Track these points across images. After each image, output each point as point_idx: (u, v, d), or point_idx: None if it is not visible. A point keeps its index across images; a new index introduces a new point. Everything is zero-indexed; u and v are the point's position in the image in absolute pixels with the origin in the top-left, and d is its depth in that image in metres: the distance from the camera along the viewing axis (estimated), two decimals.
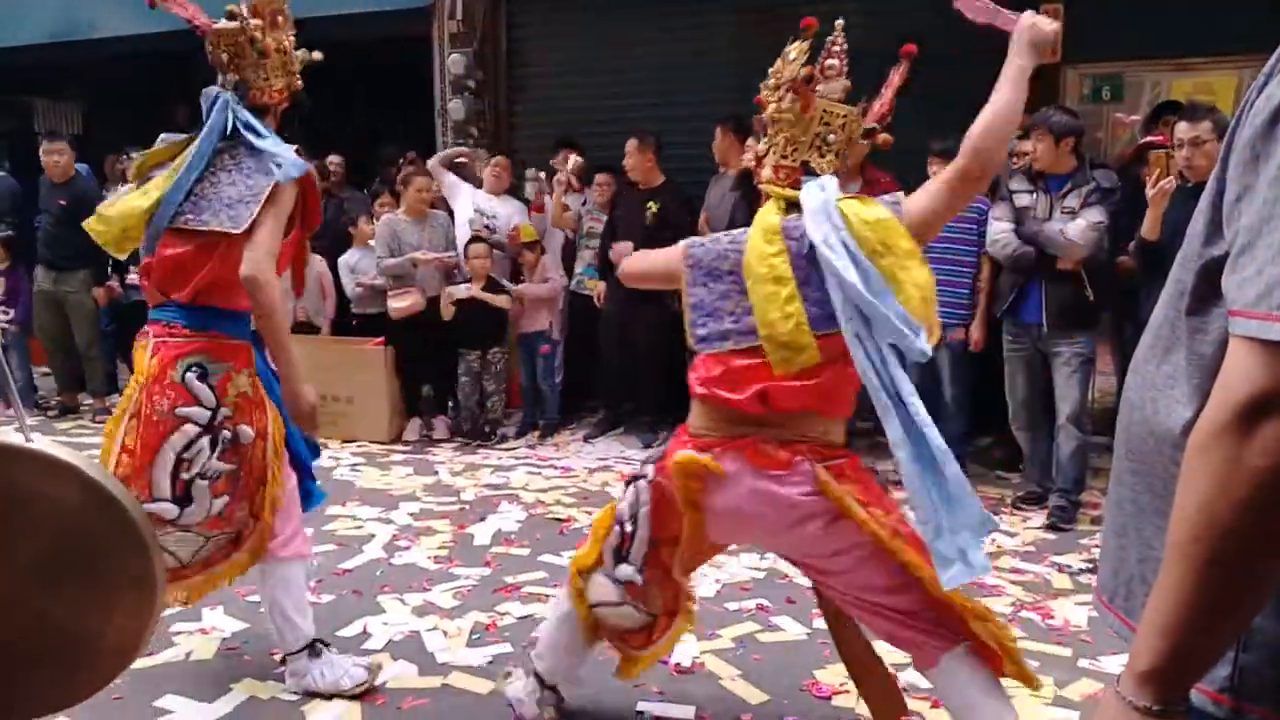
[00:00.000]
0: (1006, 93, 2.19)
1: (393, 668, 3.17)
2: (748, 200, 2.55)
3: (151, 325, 2.83)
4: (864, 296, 2.12)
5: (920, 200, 2.28)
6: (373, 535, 4.46)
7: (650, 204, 5.86)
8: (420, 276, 6.21)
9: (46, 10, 8.76)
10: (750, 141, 2.51)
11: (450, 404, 6.57)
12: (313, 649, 2.99)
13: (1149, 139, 5.04)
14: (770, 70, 2.41)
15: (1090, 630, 3.41)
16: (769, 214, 2.34)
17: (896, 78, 2.46)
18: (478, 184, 6.62)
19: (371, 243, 6.38)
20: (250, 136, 2.77)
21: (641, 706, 2.92)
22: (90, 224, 2.85)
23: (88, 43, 9.04)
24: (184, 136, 2.91)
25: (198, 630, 3.42)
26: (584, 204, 6.47)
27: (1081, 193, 4.46)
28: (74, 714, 2.77)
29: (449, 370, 6.35)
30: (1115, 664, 3.09)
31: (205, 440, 2.72)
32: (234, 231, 2.69)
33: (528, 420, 6.50)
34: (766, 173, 2.40)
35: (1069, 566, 4.06)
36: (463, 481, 5.38)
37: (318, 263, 6.64)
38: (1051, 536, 4.45)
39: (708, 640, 3.30)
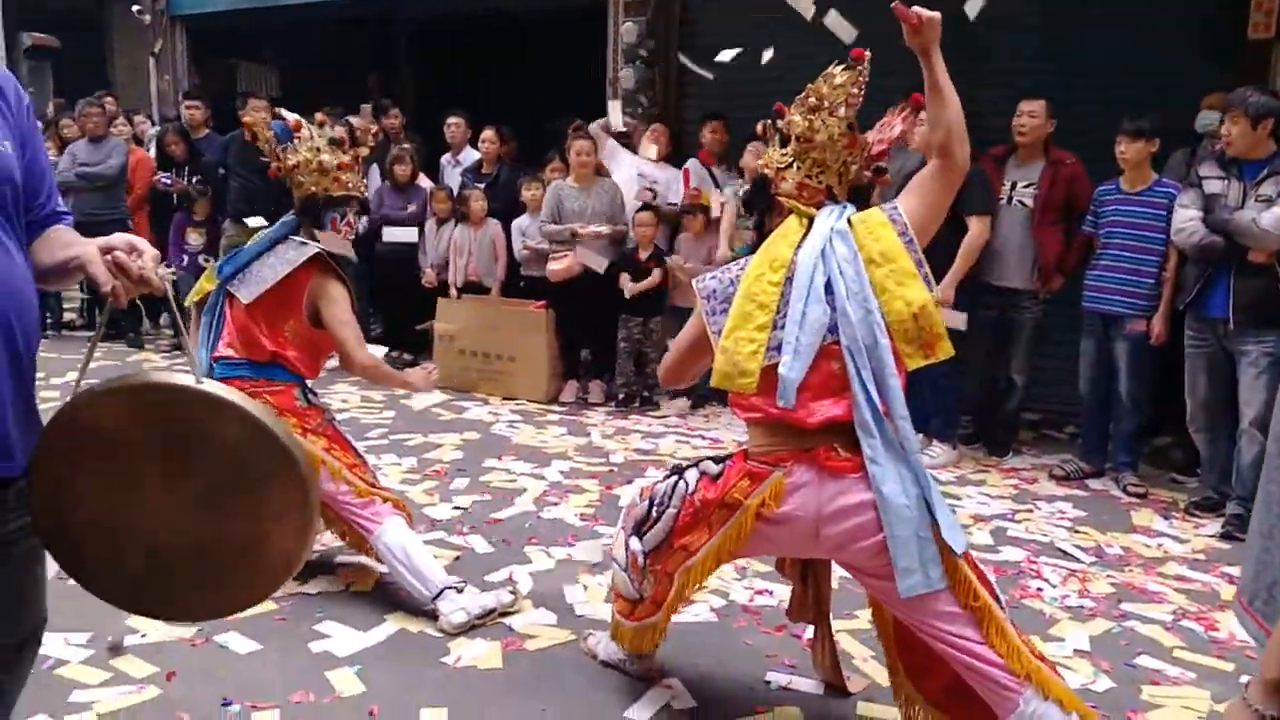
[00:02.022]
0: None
1: (533, 614, 3.29)
2: (761, 211, 2.64)
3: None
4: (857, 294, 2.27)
5: (911, 200, 2.39)
6: (524, 489, 4.62)
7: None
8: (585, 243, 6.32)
9: None
10: (762, 147, 2.57)
11: (606, 369, 6.69)
12: (453, 590, 3.19)
13: None
14: (809, 86, 2.43)
15: (1257, 647, 3.19)
16: (787, 235, 2.41)
17: (900, 125, 2.51)
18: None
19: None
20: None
21: (770, 677, 2.94)
22: None
23: (284, 8, 9.57)
24: None
25: (357, 565, 3.63)
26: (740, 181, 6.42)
27: None
28: (244, 631, 3.03)
29: (608, 335, 6.46)
30: None
31: None
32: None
33: (680, 390, 6.55)
34: (788, 187, 2.45)
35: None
36: (613, 445, 5.49)
37: (492, 225, 6.88)
38: (1225, 546, 4.18)
39: (844, 620, 3.27)
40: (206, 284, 3.49)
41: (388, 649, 3.05)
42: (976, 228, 4.99)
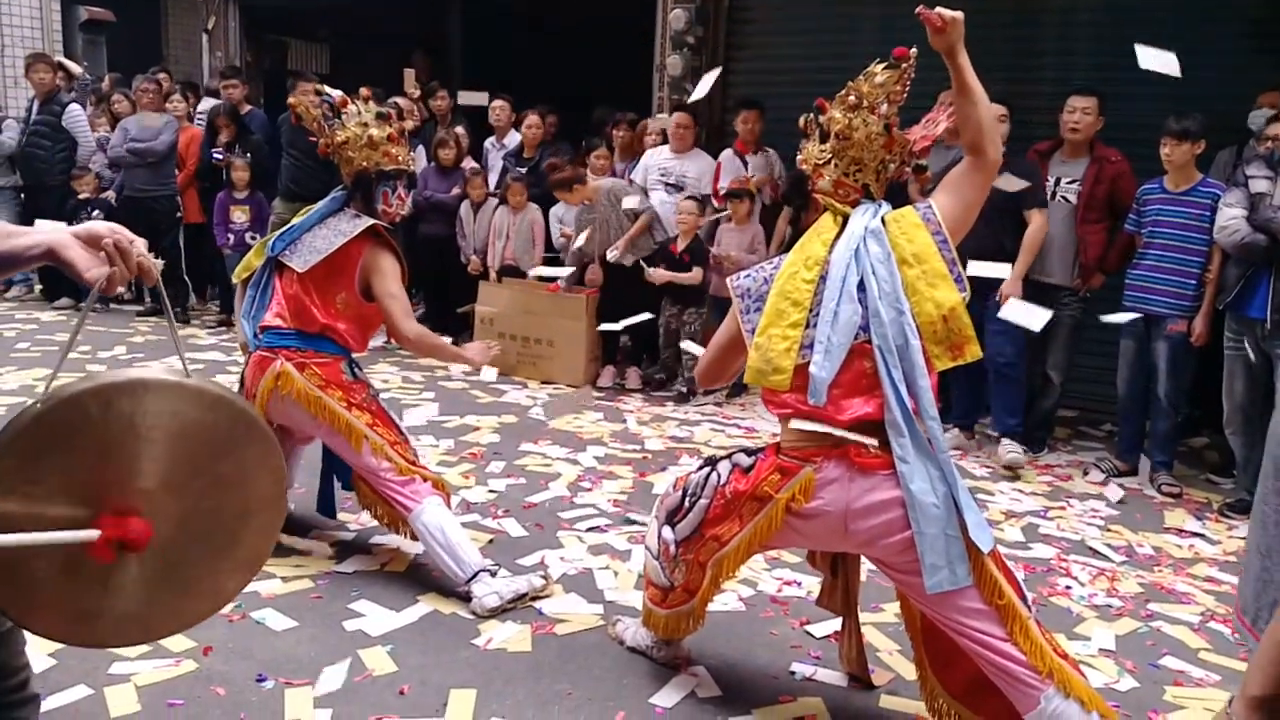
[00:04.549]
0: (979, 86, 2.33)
1: (563, 599, 3.35)
2: (797, 206, 2.66)
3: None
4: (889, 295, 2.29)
5: (945, 198, 2.41)
6: (559, 474, 4.69)
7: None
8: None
9: None
10: (807, 144, 2.56)
11: (644, 356, 6.73)
12: (486, 573, 3.25)
13: None
14: (850, 84, 2.42)
15: None
16: (822, 233, 2.44)
17: (945, 122, 2.49)
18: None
19: None
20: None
21: (795, 668, 2.98)
22: None
23: None
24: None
25: (392, 545, 3.70)
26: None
27: None
28: (280, 608, 3.12)
29: (648, 322, 6.48)
30: None
31: None
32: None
33: None
34: (825, 184, 2.46)
35: None
36: (648, 432, 5.54)
37: (532, 210, 6.93)
38: None
39: (870, 613, 3.31)
40: (255, 259, 3.57)
41: (420, 629, 3.12)
42: (1038, 220, 4.96)
